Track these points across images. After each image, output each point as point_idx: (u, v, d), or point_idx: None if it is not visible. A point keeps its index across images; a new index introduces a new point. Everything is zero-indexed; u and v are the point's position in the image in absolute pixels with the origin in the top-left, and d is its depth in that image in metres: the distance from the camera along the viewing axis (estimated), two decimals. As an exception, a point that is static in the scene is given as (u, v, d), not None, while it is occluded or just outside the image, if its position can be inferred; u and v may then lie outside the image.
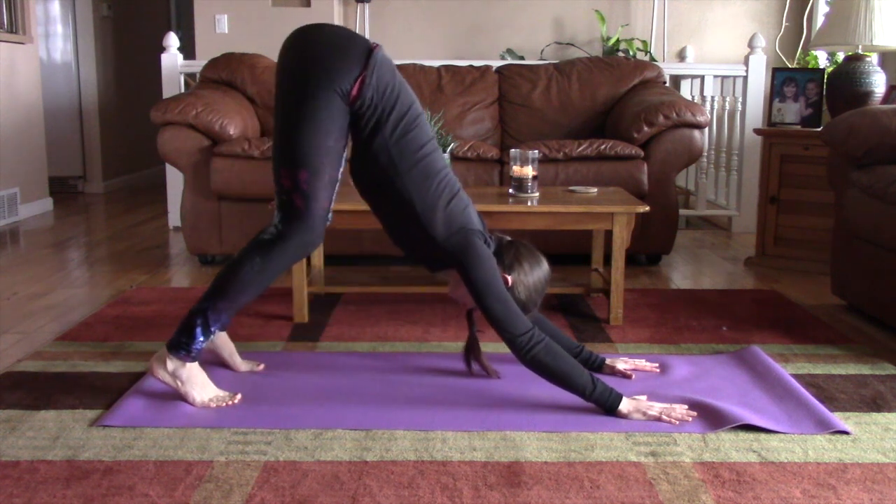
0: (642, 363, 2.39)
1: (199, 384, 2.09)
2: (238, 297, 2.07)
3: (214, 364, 2.36)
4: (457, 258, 2.08)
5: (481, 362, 2.29)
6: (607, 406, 2.01)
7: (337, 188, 2.12)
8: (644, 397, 2.08)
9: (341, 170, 2.12)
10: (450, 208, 2.10)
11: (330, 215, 2.12)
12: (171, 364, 2.08)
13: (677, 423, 1.98)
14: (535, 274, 2.16)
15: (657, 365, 2.40)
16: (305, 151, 2.00)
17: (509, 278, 2.13)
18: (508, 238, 2.22)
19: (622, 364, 2.35)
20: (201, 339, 2.07)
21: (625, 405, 2.01)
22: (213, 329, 2.08)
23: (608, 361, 2.35)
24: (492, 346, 2.62)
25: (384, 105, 2.04)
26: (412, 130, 2.07)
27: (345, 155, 2.13)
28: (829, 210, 3.66)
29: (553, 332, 2.32)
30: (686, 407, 2.04)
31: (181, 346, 2.07)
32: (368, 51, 2.03)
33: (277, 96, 2.07)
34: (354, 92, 2.01)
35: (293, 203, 2.03)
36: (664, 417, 1.99)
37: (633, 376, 2.32)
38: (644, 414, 2.00)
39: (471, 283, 2.06)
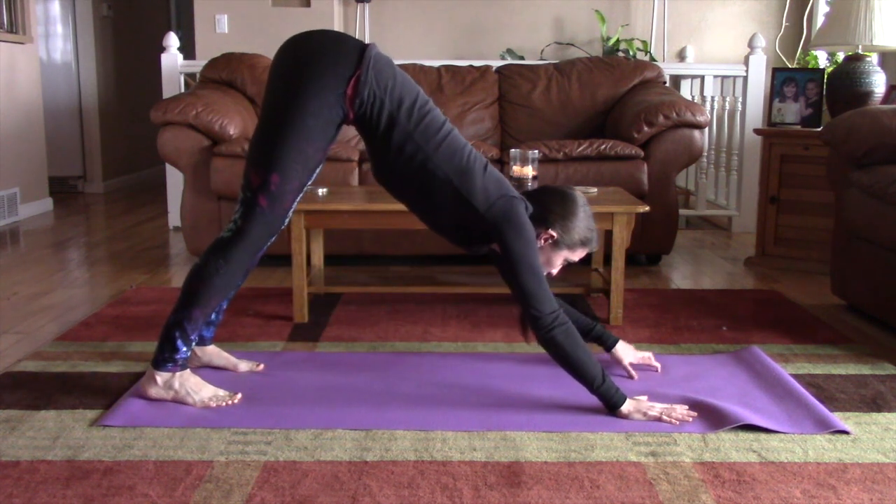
0: (649, 357, 2.39)
1: (193, 387, 2.09)
2: (210, 302, 2.07)
3: (213, 367, 2.37)
4: (498, 227, 2.05)
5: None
6: (610, 403, 2.01)
7: (302, 195, 2.11)
8: (645, 397, 2.08)
9: (312, 180, 2.12)
10: (486, 176, 2.08)
11: (287, 218, 2.11)
12: (161, 379, 2.08)
13: (677, 423, 1.98)
14: (571, 209, 2.14)
15: (659, 366, 2.40)
16: (283, 155, 1.99)
17: (553, 233, 2.12)
18: (527, 192, 2.19)
19: (631, 355, 2.35)
20: (184, 349, 2.08)
21: (626, 405, 2.01)
22: (192, 337, 2.09)
23: (618, 347, 2.35)
24: (491, 345, 2.62)
25: (391, 99, 2.02)
26: (428, 114, 2.07)
27: (319, 168, 2.11)
28: (829, 210, 3.66)
29: (571, 315, 2.32)
30: (686, 407, 2.04)
31: (166, 361, 2.08)
32: (361, 50, 2.02)
33: (266, 99, 2.05)
34: (350, 92, 1.99)
35: (257, 201, 2.02)
36: (664, 418, 1.99)
37: (637, 377, 2.32)
38: (644, 414, 2.00)
39: (507, 252, 2.03)
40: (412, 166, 2.06)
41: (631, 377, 2.31)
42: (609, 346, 2.35)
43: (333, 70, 1.98)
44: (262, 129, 2.04)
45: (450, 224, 2.16)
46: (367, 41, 5.78)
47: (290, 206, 2.07)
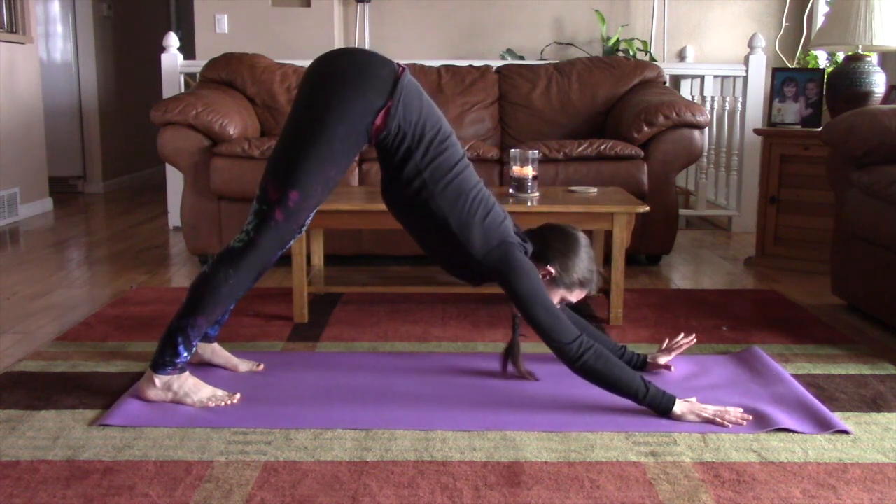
0: (678, 343, 2.39)
1: (192, 388, 2.09)
2: (215, 310, 2.07)
3: (213, 366, 2.37)
4: (498, 272, 2.08)
5: (518, 366, 2.27)
6: (661, 408, 2.00)
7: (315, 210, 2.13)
8: (695, 399, 2.06)
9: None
10: (486, 223, 2.09)
11: (303, 229, 2.12)
12: (160, 380, 2.08)
13: (731, 426, 1.96)
14: (573, 248, 2.15)
15: (693, 337, 2.42)
16: (304, 174, 1.99)
17: (551, 269, 2.12)
18: (530, 229, 2.20)
19: (662, 358, 2.36)
20: (185, 354, 2.08)
21: (678, 407, 1.99)
22: (194, 343, 2.09)
23: (650, 359, 2.36)
24: (491, 345, 2.62)
25: (413, 132, 2.03)
26: (444, 152, 2.07)
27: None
28: (829, 210, 3.66)
29: (595, 335, 2.32)
30: (741, 410, 2.02)
31: (166, 365, 2.08)
32: (394, 79, 2.01)
33: (294, 114, 2.05)
34: (379, 122, 2.00)
35: (273, 215, 2.01)
36: (717, 420, 1.97)
37: (673, 368, 2.33)
38: (698, 416, 1.98)
39: (515, 296, 2.05)
40: (417, 201, 2.08)
41: (667, 368, 2.33)
42: (640, 366, 2.35)
43: (366, 97, 1.98)
44: (286, 144, 2.03)
45: (448, 259, 2.19)
46: (367, 44, 5.80)
47: (305, 222, 2.08)
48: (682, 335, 2.42)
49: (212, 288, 2.04)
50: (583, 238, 2.19)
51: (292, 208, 2.01)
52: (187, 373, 2.11)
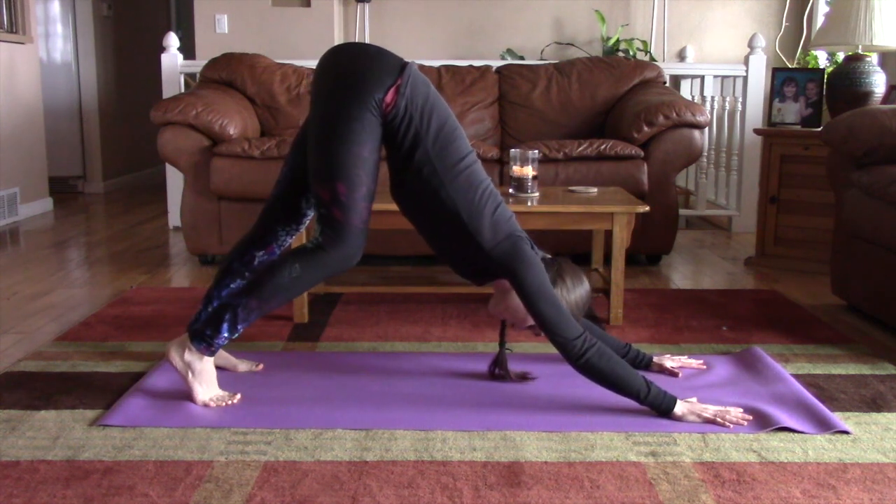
0: (689, 361, 2.40)
1: (206, 381, 2.10)
2: (270, 300, 2.07)
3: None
4: (506, 265, 2.07)
5: (507, 373, 2.28)
6: (662, 409, 2.00)
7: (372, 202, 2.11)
8: (695, 399, 2.06)
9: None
10: (496, 216, 2.10)
11: (365, 237, 2.10)
12: (189, 355, 2.09)
13: (731, 426, 1.96)
14: (578, 291, 2.14)
15: (703, 362, 2.41)
16: (341, 163, 2.01)
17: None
18: (549, 255, 2.21)
19: (669, 362, 2.36)
20: (226, 335, 2.08)
21: (679, 407, 1.99)
22: (239, 327, 2.09)
23: (655, 359, 2.36)
24: (491, 345, 2.62)
25: (421, 117, 2.05)
26: (453, 142, 2.08)
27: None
28: (829, 210, 3.66)
29: (599, 335, 2.32)
30: (742, 410, 2.02)
31: (204, 339, 2.08)
32: (402, 65, 2.05)
33: (311, 111, 2.09)
34: (388, 100, 2.01)
35: (333, 216, 2.03)
36: (718, 420, 1.98)
37: (681, 374, 2.32)
38: (699, 416, 1.99)
39: (522, 288, 2.04)
40: (426, 190, 2.08)
41: (674, 375, 2.32)
42: (645, 365, 2.35)
43: (374, 76, 2.01)
44: (315, 144, 2.06)
45: (456, 255, 2.18)
46: (367, 41, 5.79)
47: (366, 218, 2.07)
48: (685, 357, 2.43)
49: (275, 276, 2.06)
50: (588, 289, 2.19)
51: (346, 202, 2.02)
52: (212, 362, 2.12)
